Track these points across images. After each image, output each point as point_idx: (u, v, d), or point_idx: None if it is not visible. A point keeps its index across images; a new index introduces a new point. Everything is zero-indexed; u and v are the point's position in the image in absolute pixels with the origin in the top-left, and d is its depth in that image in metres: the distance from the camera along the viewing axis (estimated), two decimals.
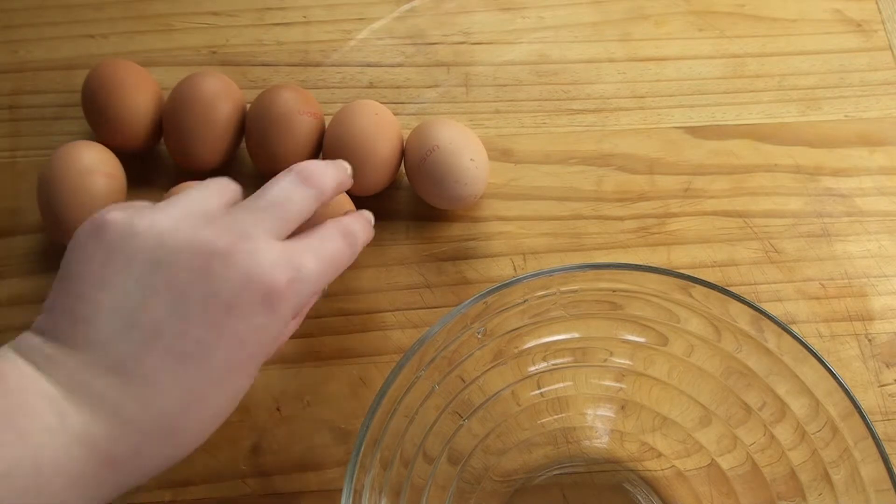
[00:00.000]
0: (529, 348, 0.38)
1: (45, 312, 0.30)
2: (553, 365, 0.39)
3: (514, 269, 0.44)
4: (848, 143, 0.47)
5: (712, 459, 0.38)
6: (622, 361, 0.39)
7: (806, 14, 0.51)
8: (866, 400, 0.41)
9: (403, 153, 0.44)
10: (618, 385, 0.39)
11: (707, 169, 0.46)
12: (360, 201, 0.44)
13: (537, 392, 0.39)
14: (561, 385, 0.39)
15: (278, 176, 0.34)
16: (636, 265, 0.35)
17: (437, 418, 0.37)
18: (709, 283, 0.35)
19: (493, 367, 0.38)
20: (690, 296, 0.35)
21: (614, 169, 0.46)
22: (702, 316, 0.36)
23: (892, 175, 0.46)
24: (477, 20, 0.50)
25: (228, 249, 0.30)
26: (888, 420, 0.40)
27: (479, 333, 0.36)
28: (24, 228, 0.45)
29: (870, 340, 0.42)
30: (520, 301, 0.36)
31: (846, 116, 0.48)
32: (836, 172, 0.46)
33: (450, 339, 0.35)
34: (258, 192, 0.34)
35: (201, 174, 0.44)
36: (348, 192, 0.44)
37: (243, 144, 0.45)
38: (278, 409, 0.40)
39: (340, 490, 0.32)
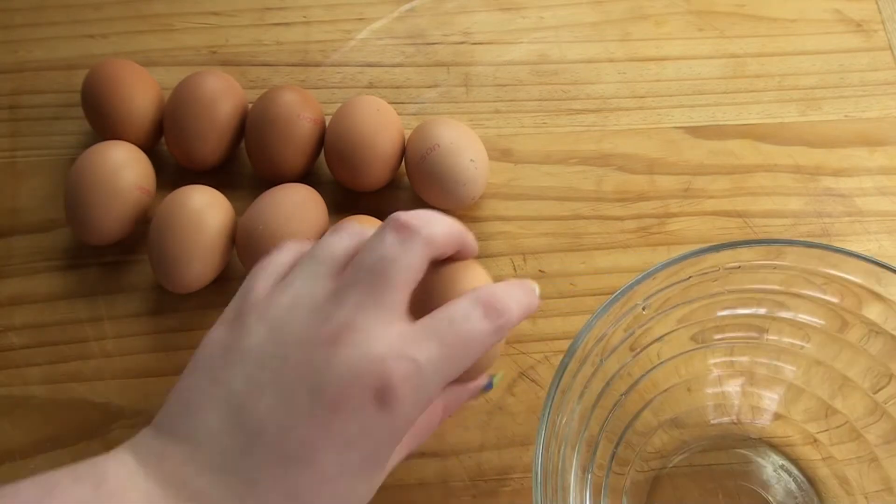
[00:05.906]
0: (707, 321, 0.38)
1: (166, 402, 0.29)
2: (730, 339, 0.39)
3: (514, 269, 0.44)
4: (848, 143, 0.47)
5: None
6: (798, 343, 0.38)
7: (806, 14, 0.51)
8: None
9: (405, 150, 0.44)
10: (790, 367, 0.39)
11: (707, 169, 0.46)
12: (360, 198, 0.44)
13: (712, 365, 0.39)
14: (731, 359, 0.39)
15: (379, 229, 0.30)
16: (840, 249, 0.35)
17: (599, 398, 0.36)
18: None
19: (663, 342, 0.38)
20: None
21: (614, 169, 0.46)
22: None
23: (892, 175, 0.46)
24: (477, 20, 0.50)
25: (333, 341, 0.27)
26: None
27: (643, 309, 0.36)
28: (24, 228, 0.45)
29: None
30: (685, 278, 0.36)
31: (846, 116, 0.48)
32: (836, 172, 0.46)
33: (615, 320, 0.35)
34: (361, 252, 0.30)
35: (201, 172, 0.44)
36: (351, 188, 0.44)
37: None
38: None
39: None
